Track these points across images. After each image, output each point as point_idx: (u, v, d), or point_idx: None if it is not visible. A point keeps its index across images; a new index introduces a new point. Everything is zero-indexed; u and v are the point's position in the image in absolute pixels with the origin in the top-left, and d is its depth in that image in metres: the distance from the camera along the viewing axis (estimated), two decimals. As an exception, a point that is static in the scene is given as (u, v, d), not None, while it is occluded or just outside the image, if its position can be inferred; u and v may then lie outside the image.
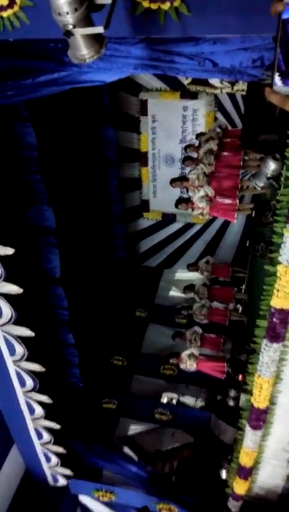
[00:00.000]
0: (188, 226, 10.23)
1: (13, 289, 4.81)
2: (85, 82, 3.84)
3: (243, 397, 5.82)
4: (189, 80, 8.04)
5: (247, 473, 5.87)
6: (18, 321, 5.06)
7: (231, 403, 7.04)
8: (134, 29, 2.99)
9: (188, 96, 8.58)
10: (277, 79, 1.52)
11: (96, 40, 2.40)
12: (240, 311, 8.92)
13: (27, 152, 5.71)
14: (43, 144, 5.92)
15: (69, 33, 2.25)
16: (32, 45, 3.66)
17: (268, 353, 4.56)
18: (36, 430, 6.47)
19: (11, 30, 3.24)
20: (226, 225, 9.60)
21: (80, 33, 2.25)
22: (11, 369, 5.67)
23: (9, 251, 4.65)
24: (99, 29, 2.27)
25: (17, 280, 4.83)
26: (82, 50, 2.39)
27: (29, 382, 5.74)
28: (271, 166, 4.96)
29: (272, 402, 5.07)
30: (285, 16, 1.43)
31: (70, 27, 2.22)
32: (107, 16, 2.33)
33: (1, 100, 4.03)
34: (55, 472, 7.17)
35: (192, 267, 9.17)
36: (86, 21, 2.26)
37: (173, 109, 8.82)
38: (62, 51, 3.34)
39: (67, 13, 2.18)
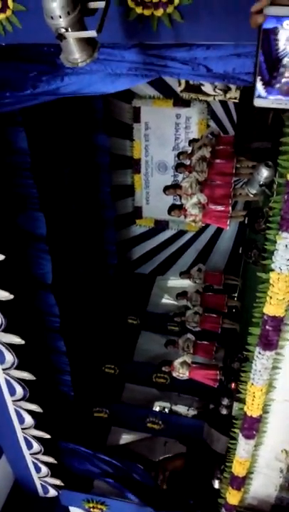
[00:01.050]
0: (180, 233, 10.23)
1: (4, 295, 4.76)
2: (87, 94, 3.83)
3: (235, 405, 5.77)
4: (182, 87, 8.08)
5: (240, 483, 5.82)
6: (8, 328, 4.99)
7: (224, 412, 6.99)
8: (127, 35, 2.99)
9: (181, 104, 8.62)
10: (260, 88, 1.47)
11: (89, 44, 2.40)
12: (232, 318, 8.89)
13: (19, 157, 5.67)
14: (36, 150, 5.88)
15: (61, 37, 2.24)
16: (29, 49, 3.65)
17: (261, 360, 4.54)
18: (26, 440, 6.37)
19: (4, 34, 3.22)
20: (218, 232, 9.61)
21: (72, 36, 2.24)
22: (1, 377, 5.58)
23: None
24: (91, 33, 2.26)
25: (7, 286, 4.77)
26: (74, 54, 2.39)
27: (19, 391, 5.65)
28: (264, 173, 4.96)
29: (265, 410, 5.04)
30: (266, 26, 1.40)
31: (63, 30, 2.22)
32: (99, 20, 2.33)
33: None
34: (45, 483, 7.04)
35: (184, 274, 9.15)
36: (79, 25, 2.26)
37: (166, 116, 8.86)
38: (56, 55, 3.33)
39: (60, 17, 2.18)
